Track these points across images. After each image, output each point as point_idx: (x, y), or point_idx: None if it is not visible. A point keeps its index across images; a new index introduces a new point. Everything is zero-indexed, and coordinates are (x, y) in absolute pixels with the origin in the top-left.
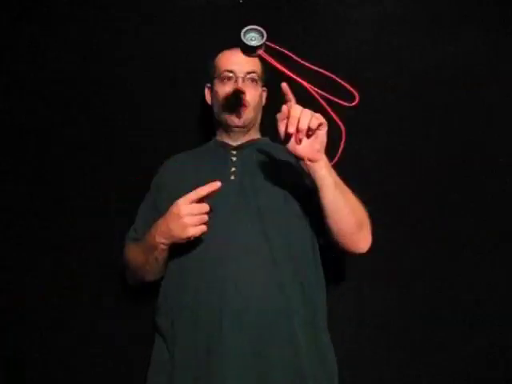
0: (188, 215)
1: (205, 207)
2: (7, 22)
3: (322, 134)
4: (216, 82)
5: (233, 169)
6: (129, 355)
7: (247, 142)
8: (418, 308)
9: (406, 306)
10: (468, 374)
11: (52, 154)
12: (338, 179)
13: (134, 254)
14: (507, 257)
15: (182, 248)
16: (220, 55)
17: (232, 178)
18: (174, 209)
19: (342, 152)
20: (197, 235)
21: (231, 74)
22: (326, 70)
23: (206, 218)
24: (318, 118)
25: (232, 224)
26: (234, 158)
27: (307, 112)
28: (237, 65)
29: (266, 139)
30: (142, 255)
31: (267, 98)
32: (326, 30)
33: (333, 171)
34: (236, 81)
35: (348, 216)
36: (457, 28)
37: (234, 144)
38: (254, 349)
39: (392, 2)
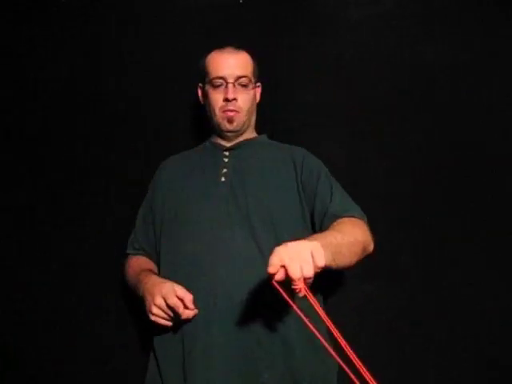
0: (157, 306)
1: (176, 310)
2: (7, 22)
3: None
4: (208, 87)
5: (224, 170)
6: (128, 353)
7: (240, 142)
8: (419, 308)
9: (407, 307)
10: (468, 374)
11: (50, 155)
12: (333, 248)
13: (131, 274)
14: (508, 257)
15: (172, 250)
16: (210, 57)
17: (222, 179)
18: (160, 290)
19: None
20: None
21: (221, 81)
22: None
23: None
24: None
25: (220, 226)
26: (226, 160)
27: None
28: (227, 70)
29: (263, 137)
30: (134, 285)
31: (261, 94)
32: (326, 30)
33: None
34: (226, 87)
35: (351, 261)
36: (457, 28)
37: (227, 145)
38: (243, 350)
39: (392, 2)
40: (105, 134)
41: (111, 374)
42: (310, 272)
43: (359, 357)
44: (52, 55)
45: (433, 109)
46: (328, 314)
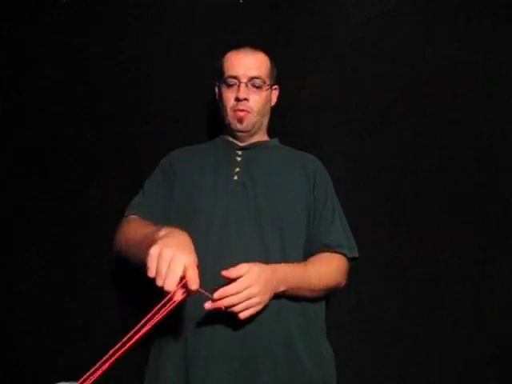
0: (165, 260)
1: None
2: (7, 22)
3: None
4: (222, 85)
5: (237, 169)
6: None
7: (253, 143)
8: (418, 310)
9: (406, 309)
10: (468, 375)
11: (50, 155)
12: (294, 284)
13: (135, 230)
14: (507, 257)
15: None
16: (226, 56)
17: (235, 178)
18: (171, 241)
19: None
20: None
21: (235, 80)
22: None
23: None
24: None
25: (230, 224)
26: (239, 159)
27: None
28: (241, 70)
29: (275, 141)
30: (140, 241)
31: (278, 97)
32: (327, 30)
33: (286, 282)
34: (239, 87)
35: (316, 294)
36: (457, 28)
37: (241, 144)
38: (243, 352)
39: (393, 3)
40: (105, 134)
41: (111, 374)
42: (231, 302)
43: (359, 357)
44: (52, 55)
45: (433, 109)
46: (327, 314)
